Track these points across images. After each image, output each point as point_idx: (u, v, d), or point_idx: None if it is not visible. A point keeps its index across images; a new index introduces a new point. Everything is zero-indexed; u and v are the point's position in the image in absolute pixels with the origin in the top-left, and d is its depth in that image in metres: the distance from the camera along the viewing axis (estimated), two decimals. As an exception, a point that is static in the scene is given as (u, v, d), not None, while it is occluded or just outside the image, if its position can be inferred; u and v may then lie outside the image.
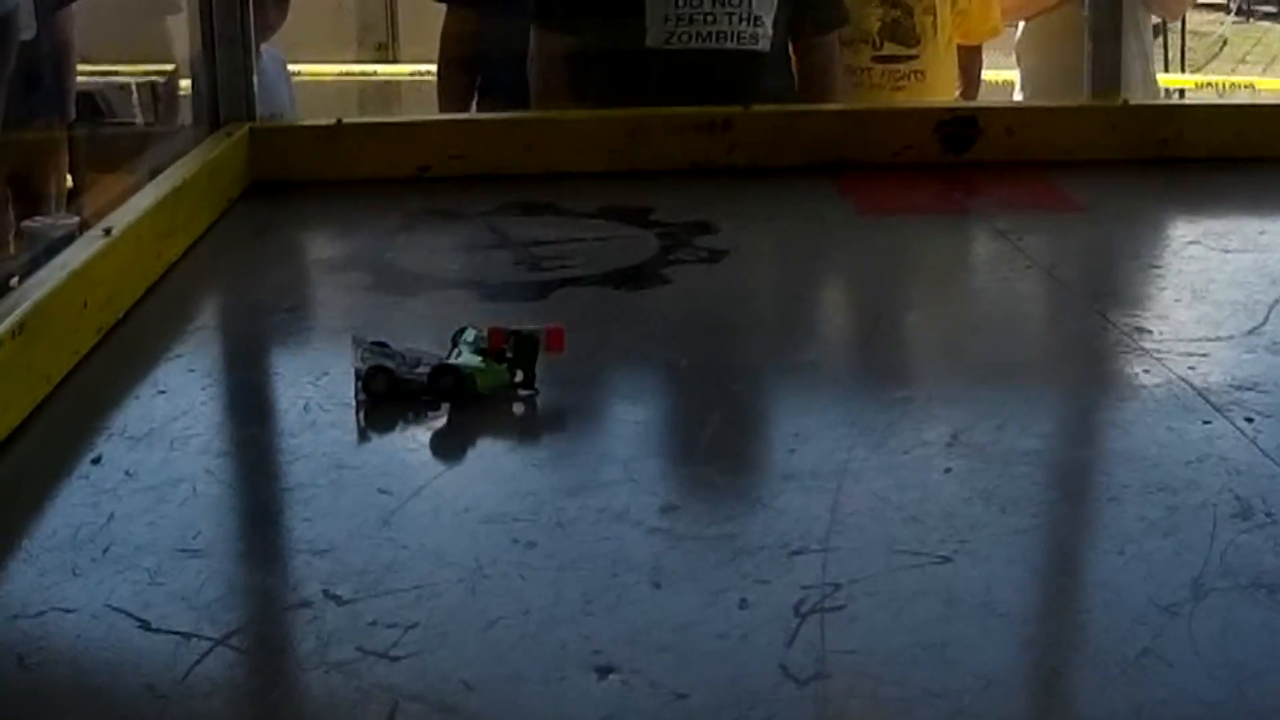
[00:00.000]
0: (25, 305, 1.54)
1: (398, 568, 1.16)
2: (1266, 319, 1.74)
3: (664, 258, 2.05)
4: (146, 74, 5.16)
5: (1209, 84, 7.62)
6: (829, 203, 2.41)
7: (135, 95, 5.08)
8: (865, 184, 2.49)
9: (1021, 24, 4.47)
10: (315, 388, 1.55)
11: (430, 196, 2.43)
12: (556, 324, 1.51)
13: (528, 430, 1.48)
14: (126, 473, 1.35)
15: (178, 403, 1.53)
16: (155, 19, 5.01)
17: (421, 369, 1.49)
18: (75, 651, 1.06)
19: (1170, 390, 1.52)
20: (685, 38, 2.94)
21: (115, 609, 1.10)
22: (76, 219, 2.44)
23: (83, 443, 1.42)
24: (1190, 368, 1.57)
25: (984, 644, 1.05)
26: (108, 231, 1.83)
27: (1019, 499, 1.27)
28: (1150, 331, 1.71)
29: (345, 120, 2.62)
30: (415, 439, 1.44)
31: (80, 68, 4.82)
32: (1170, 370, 1.57)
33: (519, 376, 1.50)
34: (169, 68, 5.08)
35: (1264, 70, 12.11)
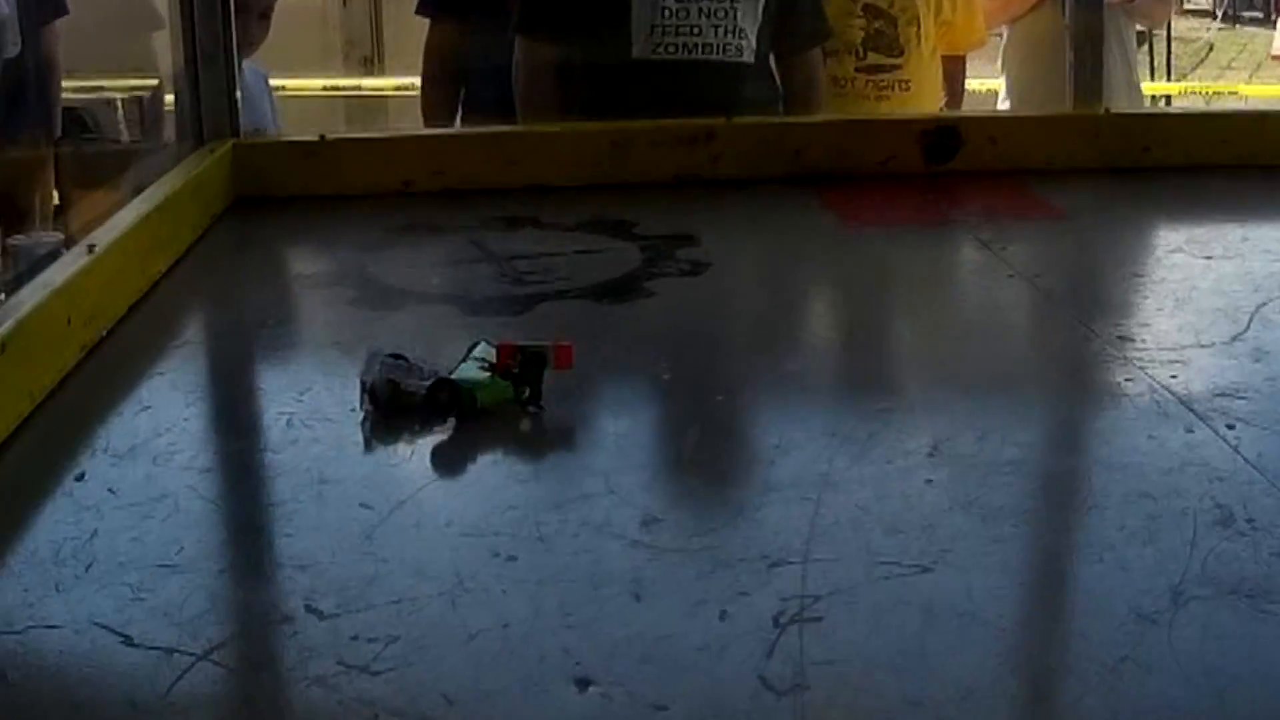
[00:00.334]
0: (9, 322, 1.54)
1: (379, 582, 1.16)
2: (1248, 326, 1.75)
3: (647, 270, 2.06)
4: (131, 89, 5.17)
5: (1194, 90, 7.65)
6: (812, 214, 2.42)
7: (121, 111, 5.09)
8: (848, 195, 2.49)
9: (1005, 33, 4.48)
10: (299, 403, 1.55)
11: (413, 211, 2.43)
12: (565, 341, 1.52)
13: (511, 444, 1.47)
14: (110, 489, 1.35)
15: (161, 419, 1.53)
16: (140, 36, 5.01)
17: (428, 383, 1.49)
18: (58, 667, 1.07)
19: (1152, 398, 1.52)
20: (670, 49, 2.94)
21: (98, 624, 1.10)
22: (60, 236, 2.44)
23: (66, 459, 1.42)
24: (1172, 375, 1.58)
25: (964, 653, 1.05)
26: (91, 248, 1.84)
27: (1000, 508, 1.28)
28: (1132, 339, 1.72)
29: (328, 135, 2.63)
30: (398, 454, 1.44)
31: (66, 84, 4.83)
32: (1152, 378, 1.57)
33: (525, 393, 1.50)
34: (154, 83, 5.08)
35: (1250, 76, 12.15)
